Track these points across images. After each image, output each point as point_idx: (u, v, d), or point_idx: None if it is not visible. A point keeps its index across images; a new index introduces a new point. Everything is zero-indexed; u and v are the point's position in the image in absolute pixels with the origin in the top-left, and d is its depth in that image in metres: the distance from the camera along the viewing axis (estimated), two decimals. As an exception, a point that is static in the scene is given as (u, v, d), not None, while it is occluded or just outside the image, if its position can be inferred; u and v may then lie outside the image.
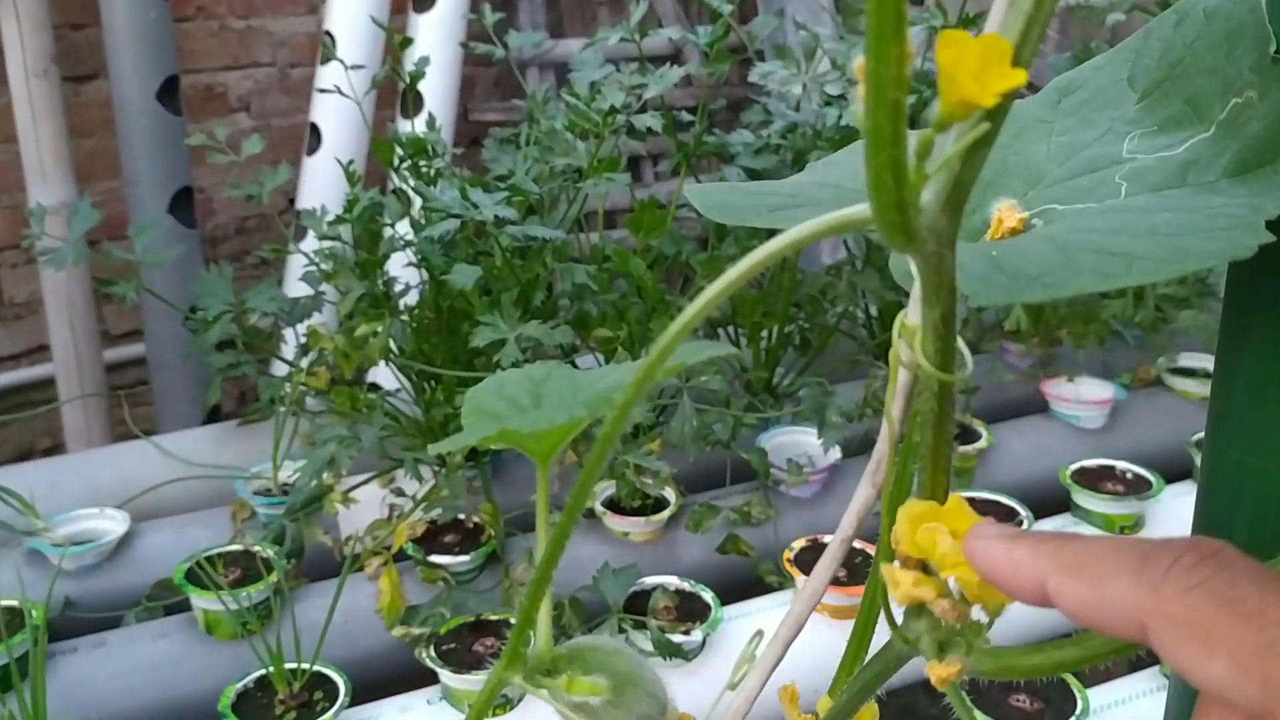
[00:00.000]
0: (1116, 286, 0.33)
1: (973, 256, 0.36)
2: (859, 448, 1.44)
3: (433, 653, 1.03)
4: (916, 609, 0.40)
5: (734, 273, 0.31)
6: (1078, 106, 0.46)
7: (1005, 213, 0.41)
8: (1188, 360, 1.57)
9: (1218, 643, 0.27)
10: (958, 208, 0.29)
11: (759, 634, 0.37)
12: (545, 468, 0.41)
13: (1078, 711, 0.94)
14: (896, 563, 0.39)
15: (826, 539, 1.20)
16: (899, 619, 0.40)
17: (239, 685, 0.99)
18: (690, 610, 1.12)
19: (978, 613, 0.39)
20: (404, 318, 1.27)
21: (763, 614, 1.14)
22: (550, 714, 1.09)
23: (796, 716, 0.49)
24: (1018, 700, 0.97)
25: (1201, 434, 1.40)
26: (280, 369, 1.52)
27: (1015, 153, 0.45)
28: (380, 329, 1.18)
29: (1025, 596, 0.32)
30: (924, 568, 0.39)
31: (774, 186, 0.45)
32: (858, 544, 1.19)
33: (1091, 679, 1.00)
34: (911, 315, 0.34)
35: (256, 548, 1.18)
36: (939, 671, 0.36)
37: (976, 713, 0.94)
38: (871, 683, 0.42)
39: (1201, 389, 1.52)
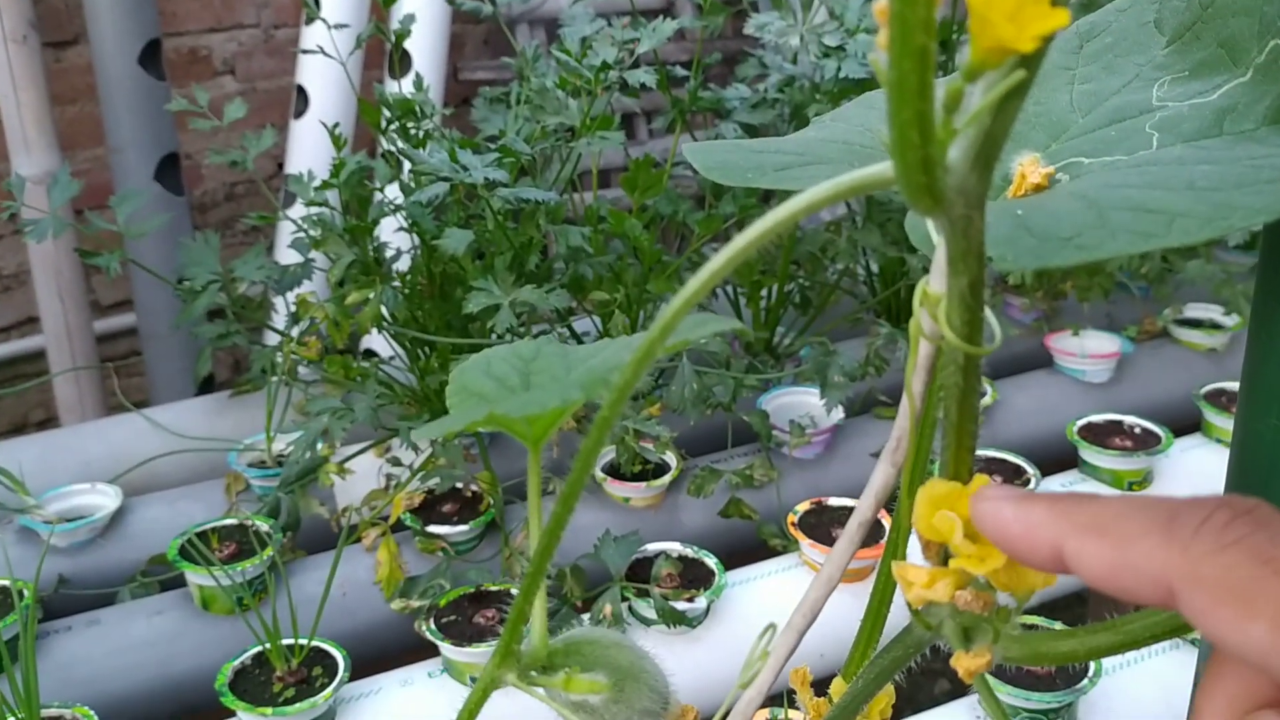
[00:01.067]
0: (1156, 247, 0.31)
1: (996, 216, 0.33)
2: (861, 407, 1.42)
3: (433, 625, 1.01)
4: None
5: (741, 241, 0.29)
6: (1101, 52, 0.43)
7: (1028, 167, 0.38)
8: (1194, 311, 1.54)
9: (1258, 605, 0.24)
10: (988, 166, 0.26)
11: (771, 628, 0.35)
12: (537, 452, 0.39)
13: (1090, 673, 0.93)
14: (915, 542, 0.36)
15: (831, 501, 1.18)
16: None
17: (236, 663, 0.97)
18: (694, 577, 1.10)
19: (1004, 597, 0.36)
20: (396, 284, 1.24)
21: (767, 579, 1.12)
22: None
23: (809, 699, 0.47)
24: (1029, 663, 0.95)
25: (1210, 385, 1.38)
26: (272, 338, 1.50)
27: (1036, 103, 0.42)
28: (371, 296, 1.15)
29: (1040, 562, 0.30)
30: (946, 561, 0.37)
31: (778, 144, 0.42)
32: (863, 506, 1.17)
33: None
34: (934, 283, 0.31)
35: (251, 522, 1.15)
36: (966, 663, 0.34)
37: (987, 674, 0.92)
38: (889, 668, 0.40)
39: (1209, 340, 1.49)
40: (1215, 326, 1.51)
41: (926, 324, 0.32)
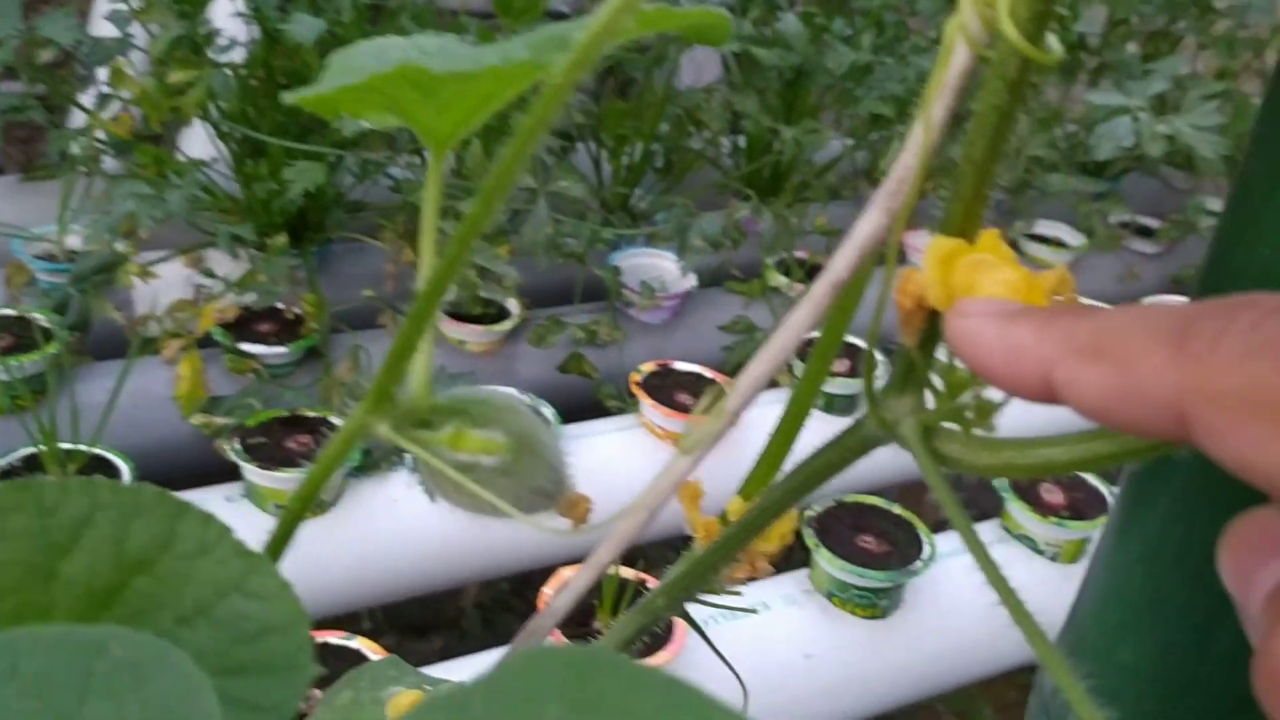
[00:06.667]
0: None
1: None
2: (712, 279, 1.37)
3: (238, 445, 0.91)
4: (901, 383, 0.32)
5: None
6: None
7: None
8: (1044, 227, 1.55)
9: None
10: None
11: (719, 388, 0.29)
12: (441, 155, 0.31)
13: (924, 555, 0.92)
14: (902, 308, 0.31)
15: (677, 365, 1.13)
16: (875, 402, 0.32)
17: (2, 462, 0.85)
18: (528, 426, 1.03)
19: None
20: (228, 72, 1.10)
21: (604, 436, 1.07)
22: (365, 520, 0.97)
23: (697, 516, 0.42)
24: (864, 541, 0.93)
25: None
26: (76, 122, 1.33)
27: None
28: (199, 76, 1.02)
29: (1025, 390, 0.25)
30: (925, 341, 0.31)
31: None
32: (709, 373, 1.13)
33: (934, 526, 0.98)
34: (990, -30, 0.25)
35: (34, 315, 1.02)
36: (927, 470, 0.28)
37: (822, 549, 0.90)
38: (819, 472, 0.34)
39: (1055, 256, 1.51)
40: (1061, 244, 1.53)
41: (973, 24, 0.25)
